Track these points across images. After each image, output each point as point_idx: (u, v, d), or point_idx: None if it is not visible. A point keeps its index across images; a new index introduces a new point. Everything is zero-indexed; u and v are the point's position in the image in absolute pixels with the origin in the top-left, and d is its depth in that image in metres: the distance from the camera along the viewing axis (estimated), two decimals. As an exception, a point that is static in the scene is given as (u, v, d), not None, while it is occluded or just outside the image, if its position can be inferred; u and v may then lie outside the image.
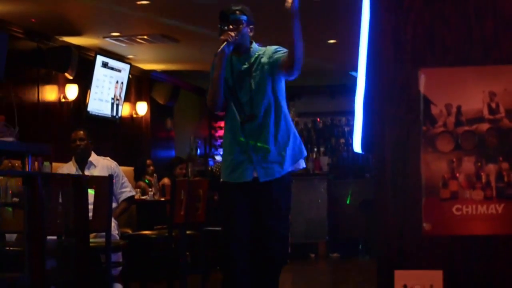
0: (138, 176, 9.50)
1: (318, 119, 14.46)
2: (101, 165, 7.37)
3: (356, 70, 2.84)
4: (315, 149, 13.83)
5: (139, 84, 12.20)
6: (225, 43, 4.65)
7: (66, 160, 7.56)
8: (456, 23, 2.61)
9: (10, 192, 5.31)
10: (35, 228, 4.59)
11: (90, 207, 5.74)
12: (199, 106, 14.07)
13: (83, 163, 7.32)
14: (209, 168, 12.08)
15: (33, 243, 4.59)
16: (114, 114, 11.02)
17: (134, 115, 12.01)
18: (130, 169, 9.50)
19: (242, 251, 4.72)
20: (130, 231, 8.28)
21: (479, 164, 2.55)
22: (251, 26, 4.86)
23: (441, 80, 2.59)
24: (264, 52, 4.86)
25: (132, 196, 7.61)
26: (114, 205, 6.94)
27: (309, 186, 12.21)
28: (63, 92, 9.89)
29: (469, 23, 2.60)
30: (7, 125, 5.95)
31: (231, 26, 4.72)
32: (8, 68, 8.16)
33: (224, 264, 4.80)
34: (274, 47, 4.89)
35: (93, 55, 10.43)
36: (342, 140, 13.94)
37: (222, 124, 5.16)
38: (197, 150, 13.68)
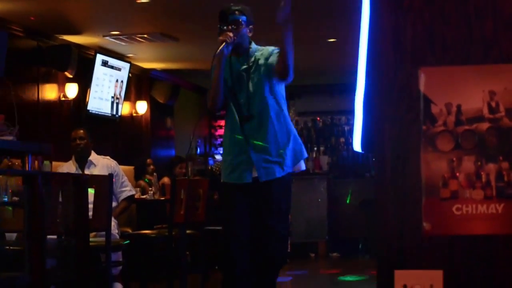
0: (138, 175, 9.50)
1: (318, 118, 14.47)
2: (101, 164, 7.37)
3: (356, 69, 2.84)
4: (315, 148, 13.84)
5: (139, 83, 12.20)
6: (223, 44, 4.64)
7: (66, 159, 7.56)
8: (456, 22, 2.60)
9: (10, 191, 5.31)
10: (35, 227, 4.59)
11: (90, 206, 5.74)
12: (199, 105, 14.07)
13: (83, 162, 7.32)
14: (209, 167, 12.08)
15: (33, 242, 4.58)
16: (114, 113, 11.02)
17: (134, 114, 12.01)
18: (130, 168, 9.49)
19: (242, 251, 4.72)
20: (130, 231, 8.28)
21: (479, 163, 2.55)
22: (251, 27, 4.85)
23: (441, 79, 2.59)
24: (262, 52, 4.84)
25: (132, 195, 7.61)
26: (114, 204, 6.94)
27: (309, 185, 12.22)
28: (63, 90, 9.89)
29: (469, 22, 2.60)
30: (7, 124, 5.95)
31: (230, 27, 4.72)
32: (8, 67, 8.16)
33: (224, 264, 4.80)
34: (271, 48, 4.86)
35: (93, 53, 10.43)
36: (342, 139, 13.95)
37: (222, 123, 5.17)
38: (197, 149, 13.68)
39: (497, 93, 2.56)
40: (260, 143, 4.75)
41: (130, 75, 11.26)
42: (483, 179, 2.54)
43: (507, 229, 2.51)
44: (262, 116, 4.75)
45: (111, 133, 11.07)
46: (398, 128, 2.60)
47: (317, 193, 12.29)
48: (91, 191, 5.87)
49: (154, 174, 9.02)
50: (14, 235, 6.05)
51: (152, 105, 12.42)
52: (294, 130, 4.90)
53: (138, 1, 8.36)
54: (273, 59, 4.75)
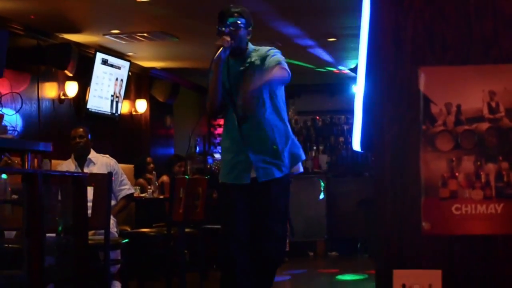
0: (138, 174, 9.50)
1: (318, 117, 14.48)
2: (100, 162, 7.37)
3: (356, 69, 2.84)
4: (314, 148, 13.84)
5: (139, 82, 12.20)
6: (221, 49, 4.63)
7: (65, 158, 7.56)
8: (456, 21, 2.60)
9: (10, 189, 5.31)
10: (34, 225, 4.58)
11: (89, 204, 5.74)
12: (198, 104, 14.08)
13: (82, 160, 7.33)
14: (208, 166, 12.08)
15: (32, 240, 4.58)
16: (114, 111, 11.02)
17: (134, 113, 12.01)
18: (129, 166, 9.50)
19: (242, 251, 4.72)
20: (129, 229, 8.28)
21: (478, 163, 2.55)
22: (249, 29, 4.83)
23: (441, 79, 2.59)
24: (257, 53, 4.82)
25: (131, 194, 7.61)
26: (113, 202, 6.94)
27: (308, 184, 12.22)
28: (63, 89, 9.89)
29: (469, 22, 2.60)
30: (7, 122, 5.95)
31: (229, 29, 4.70)
32: (8, 65, 8.18)
33: (224, 264, 4.80)
34: (266, 48, 4.84)
35: (93, 52, 10.43)
36: (341, 139, 13.96)
37: (221, 121, 5.17)
38: (196, 148, 13.68)
39: (497, 93, 2.56)
40: (258, 144, 4.75)
41: (130, 73, 11.26)
42: (483, 179, 2.54)
43: (506, 229, 2.51)
44: (259, 117, 4.74)
45: (110, 131, 11.07)
46: (398, 128, 2.60)
47: (316, 192, 12.29)
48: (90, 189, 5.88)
49: (154, 172, 9.02)
50: (13, 233, 6.05)
51: (152, 103, 12.43)
52: (291, 132, 4.90)
53: (138, 0, 8.36)
54: (268, 64, 4.72)
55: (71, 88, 9.94)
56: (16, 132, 6.31)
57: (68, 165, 7.31)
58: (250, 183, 4.77)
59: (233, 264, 4.70)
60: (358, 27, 2.80)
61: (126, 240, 6.95)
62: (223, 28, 4.71)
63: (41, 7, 8.48)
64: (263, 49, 4.84)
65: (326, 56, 11.61)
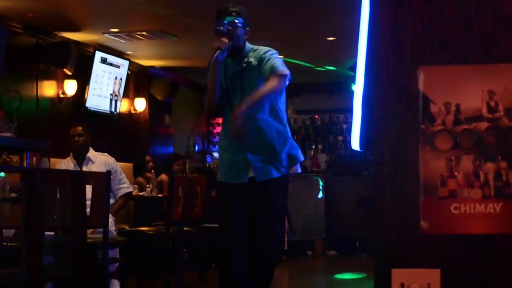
0: (137, 173, 9.50)
1: (317, 116, 14.48)
2: (99, 161, 7.36)
3: (355, 68, 2.84)
4: (313, 147, 13.84)
5: (138, 80, 12.20)
6: (218, 51, 4.63)
7: (64, 156, 7.55)
8: (456, 21, 2.60)
9: (8, 187, 5.31)
10: (33, 223, 4.59)
11: (88, 203, 5.74)
12: (197, 103, 14.07)
13: (81, 159, 7.32)
14: (207, 165, 12.08)
15: (30, 238, 4.59)
16: (113, 110, 11.02)
17: (133, 111, 12.01)
18: (128, 165, 9.49)
19: (240, 250, 4.72)
20: (127, 227, 8.28)
21: (477, 162, 2.55)
22: (247, 28, 4.82)
23: (440, 79, 2.59)
24: (255, 54, 4.80)
25: (130, 193, 7.61)
26: (111, 201, 6.93)
27: (307, 183, 12.22)
28: (62, 87, 9.89)
29: (468, 21, 2.60)
30: (5, 121, 5.95)
31: (226, 28, 4.69)
32: (7, 64, 8.18)
33: (222, 263, 4.80)
34: (263, 50, 4.80)
35: (92, 51, 10.42)
36: (340, 138, 13.96)
37: (220, 120, 5.17)
38: (195, 147, 13.68)
39: (496, 93, 2.56)
40: (256, 143, 4.74)
41: (129, 72, 11.26)
42: (482, 179, 2.54)
43: (505, 228, 2.52)
44: (257, 117, 4.73)
45: (109, 130, 11.07)
46: (397, 127, 2.60)
47: (315, 191, 12.29)
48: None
49: (152, 171, 9.02)
50: (12, 231, 6.05)
51: (151, 102, 12.42)
52: (289, 132, 4.89)
53: (137, -2, 8.37)
54: (263, 73, 4.70)
55: (70, 87, 9.93)
56: (15, 131, 6.31)
57: (66, 164, 7.31)
58: (248, 183, 4.77)
59: (231, 263, 4.70)
60: (357, 26, 2.80)
61: (125, 238, 6.95)
62: (221, 27, 4.70)
63: (40, 6, 8.47)
64: (261, 49, 4.82)
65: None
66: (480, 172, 2.55)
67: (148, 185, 8.58)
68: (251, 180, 4.77)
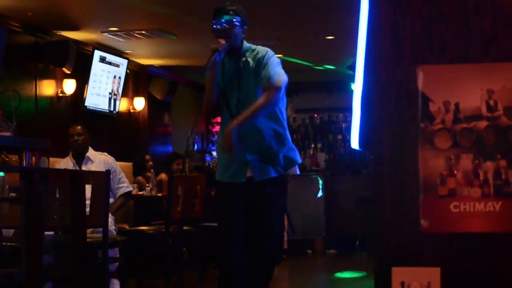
0: (137, 172, 9.49)
1: (316, 115, 14.48)
2: (98, 160, 7.36)
3: (354, 67, 2.84)
4: (312, 145, 13.84)
5: (137, 79, 12.20)
6: (215, 53, 4.62)
7: (63, 155, 7.55)
8: (455, 20, 2.60)
9: (7, 187, 5.31)
10: (32, 223, 4.59)
11: (87, 202, 5.74)
12: (196, 102, 14.07)
13: (80, 158, 7.32)
14: (206, 164, 12.08)
15: (30, 238, 4.59)
16: (112, 109, 11.02)
17: (132, 110, 12.01)
18: (128, 164, 9.49)
19: (239, 249, 4.72)
20: (127, 227, 8.28)
21: (477, 161, 2.55)
22: (245, 27, 4.81)
23: (440, 77, 2.59)
24: (253, 55, 4.79)
25: (129, 192, 7.61)
26: (111, 200, 6.93)
27: (307, 182, 12.22)
28: (61, 86, 9.89)
29: (468, 20, 2.60)
30: (4, 120, 5.94)
31: (224, 26, 4.69)
32: (6, 63, 8.18)
33: (221, 263, 4.80)
34: (261, 52, 4.78)
35: (91, 49, 10.42)
36: (340, 137, 13.96)
37: (219, 119, 5.17)
38: (194, 146, 13.68)
39: (496, 92, 2.56)
40: (254, 143, 4.74)
41: (128, 71, 11.25)
42: (481, 177, 2.54)
43: (505, 227, 2.52)
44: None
45: (108, 129, 11.07)
46: (396, 126, 2.60)
47: (315, 190, 12.29)
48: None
49: (152, 170, 9.02)
50: (11, 231, 6.05)
51: (150, 101, 12.42)
52: (288, 134, 4.88)
53: (136, -3, 8.37)
54: (261, 79, 4.69)
55: (69, 86, 9.93)
56: (14, 130, 6.30)
57: (66, 163, 7.30)
58: (247, 182, 4.76)
59: (230, 263, 4.69)
60: (356, 25, 2.80)
61: (125, 238, 6.95)
62: (218, 26, 4.70)
63: (39, 4, 8.47)
64: (259, 51, 4.79)
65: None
66: (480, 171, 2.55)
67: (147, 184, 8.58)
68: (249, 180, 4.76)
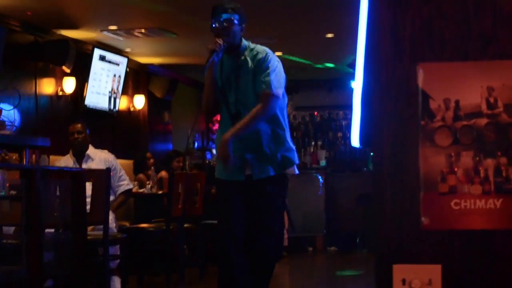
0: (138, 170, 9.50)
1: (316, 113, 14.49)
2: (98, 158, 7.37)
3: (354, 65, 2.84)
4: (313, 143, 13.84)
5: (137, 78, 12.20)
6: (213, 54, 4.62)
7: (63, 153, 7.56)
8: (455, 18, 2.61)
9: (8, 185, 5.32)
10: (33, 221, 4.59)
11: (88, 200, 5.74)
12: (196, 100, 14.07)
13: (80, 156, 7.32)
14: (207, 161, 12.08)
15: (30, 236, 4.59)
16: (112, 107, 11.02)
17: (132, 109, 12.01)
18: (128, 162, 9.50)
19: (238, 247, 4.72)
20: (127, 224, 8.29)
21: (477, 158, 2.56)
22: (243, 25, 4.80)
23: (440, 75, 2.59)
24: (251, 55, 4.78)
25: (130, 189, 7.62)
26: (111, 198, 6.94)
27: (307, 180, 12.22)
28: (61, 85, 9.89)
29: (467, 18, 2.60)
30: (4, 118, 5.94)
31: (222, 24, 4.68)
32: (5, 61, 8.18)
33: (221, 262, 4.80)
34: (260, 53, 4.76)
35: (90, 48, 10.42)
36: (340, 134, 13.96)
37: (219, 117, 5.16)
38: (194, 144, 13.69)
39: (495, 89, 2.56)
40: (252, 142, 4.73)
41: (127, 69, 11.25)
42: (482, 174, 2.55)
43: (505, 224, 2.52)
44: None
45: (108, 127, 11.07)
46: (397, 123, 2.60)
47: (315, 188, 12.29)
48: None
49: (152, 168, 9.02)
50: (12, 228, 6.05)
51: (150, 99, 12.42)
52: (288, 134, 4.87)
53: (136, -4, 8.36)
54: (258, 85, 4.69)
55: (69, 84, 9.93)
56: (14, 128, 6.31)
57: (66, 161, 7.31)
58: (245, 181, 4.76)
59: (230, 262, 4.69)
60: (356, 24, 2.80)
61: (125, 235, 6.96)
62: (217, 24, 4.70)
63: (38, 4, 8.47)
64: (258, 51, 4.77)
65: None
66: (480, 168, 2.55)
67: (148, 182, 8.59)
68: (248, 178, 4.76)
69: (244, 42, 4.81)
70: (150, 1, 8.65)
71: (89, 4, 8.84)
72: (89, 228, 6.04)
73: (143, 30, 9.95)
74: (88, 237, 5.64)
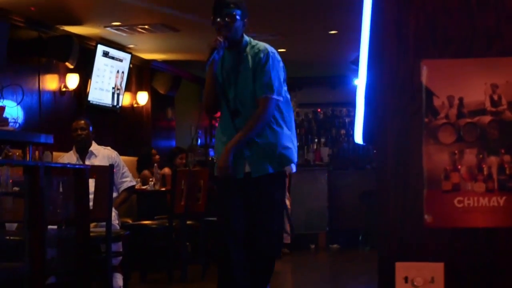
0: (142, 166, 9.49)
1: (319, 110, 14.49)
2: (102, 154, 7.37)
3: (357, 62, 2.83)
4: (316, 140, 13.84)
5: (140, 74, 12.20)
6: (214, 51, 4.61)
7: (66, 150, 7.56)
8: (459, 14, 2.60)
9: (11, 181, 5.31)
10: (36, 217, 4.59)
11: (91, 196, 5.74)
12: (199, 96, 14.07)
13: (84, 152, 7.32)
14: (210, 158, 12.08)
15: (33, 232, 4.59)
16: (115, 103, 11.02)
17: (135, 105, 12.01)
18: (131, 159, 9.50)
19: (237, 245, 4.71)
20: (130, 221, 8.29)
21: (481, 156, 2.55)
22: (245, 20, 4.78)
23: (443, 72, 2.58)
24: (252, 50, 4.77)
25: (133, 186, 7.61)
26: (114, 195, 6.94)
27: (310, 177, 12.21)
28: (64, 81, 9.89)
29: (471, 15, 2.59)
30: (8, 114, 5.94)
31: (224, 20, 4.67)
32: (9, 57, 8.18)
33: (221, 260, 4.79)
34: (261, 51, 4.74)
35: (94, 44, 10.42)
36: (343, 131, 13.97)
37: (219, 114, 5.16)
38: (197, 140, 13.69)
39: (499, 86, 2.55)
40: (251, 141, 4.72)
41: (131, 66, 11.26)
42: (485, 172, 2.54)
43: (509, 222, 2.52)
44: (252, 112, 4.71)
45: (112, 123, 11.07)
46: (400, 121, 2.59)
47: (318, 185, 12.29)
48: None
49: (155, 164, 9.02)
50: (15, 225, 6.05)
51: (153, 96, 12.42)
52: (288, 132, 4.84)
53: (139, -8, 8.36)
54: (257, 87, 4.69)
55: (72, 80, 9.94)
56: (17, 124, 6.30)
57: (69, 157, 7.31)
58: (244, 178, 4.76)
59: (229, 260, 4.68)
60: (359, 20, 2.79)
61: (128, 232, 6.95)
62: (219, 19, 4.68)
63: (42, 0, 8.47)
64: (260, 48, 4.75)
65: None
66: (484, 166, 2.54)
67: (151, 179, 8.59)
68: (247, 175, 4.76)
69: (246, 38, 4.80)
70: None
71: (92, 0, 8.83)
72: (92, 225, 6.03)
73: (146, 26, 9.94)
74: (91, 234, 5.63)
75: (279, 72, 4.72)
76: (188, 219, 7.90)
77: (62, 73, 9.86)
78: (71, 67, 9.76)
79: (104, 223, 6.19)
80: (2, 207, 5.46)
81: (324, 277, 9.16)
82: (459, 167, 2.55)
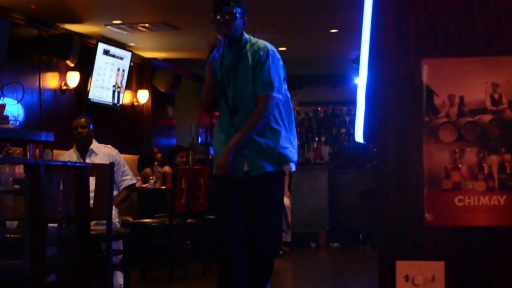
0: (144, 164, 9.49)
1: (319, 108, 14.49)
2: (102, 152, 7.37)
3: (358, 60, 2.83)
4: (316, 139, 13.85)
5: (141, 72, 12.20)
6: (214, 49, 4.61)
7: (67, 148, 7.57)
8: (460, 13, 2.60)
9: (11, 179, 5.31)
10: (36, 215, 4.59)
11: (91, 194, 5.74)
12: (200, 94, 14.06)
13: (84, 150, 7.33)
14: (210, 157, 12.08)
15: (33, 230, 4.59)
16: (115, 101, 11.02)
17: (135, 103, 12.01)
18: (131, 157, 9.50)
19: (238, 245, 4.71)
20: (130, 219, 8.30)
21: (481, 155, 2.55)
22: (245, 18, 4.78)
23: (444, 71, 2.58)
24: (252, 48, 4.77)
25: (133, 184, 7.62)
26: (115, 193, 6.95)
27: (310, 175, 12.22)
28: (65, 79, 9.89)
29: (472, 14, 2.59)
30: (8, 112, 5.94)
31: (224, 17, 4.66)
32: (9, 55, 8.17)
33: (220, 259, 4.79)
34: (260, 49, 4.74)
35: (94, 42, 10.42)
36: (343, 130, 13.97)
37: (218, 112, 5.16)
38: (198, 139, 13.69)
39: (500, 85, 2.56)
40: (250, 140, 4.72)
41: (131, 64, 11.25)
42: (486, 171, 2.54)
43: (509, 221, 2.52)
44: (251, 110, 4.71)
45: (112, 122, 11.07)
46: (401, 119, 2.59)
47: (318, 183, 12.29)
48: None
49: (155, 163, 9.03)
50: (15, 223, 6.06)
51: (153, 94, 12.42)
52: (287, 131, 4.83)
53: (140, -10, 8.35)
54: (257, 86, 4.69)
55: (73, 79, 9.94)
56: (18, 122, 6.30)
57: (70, 155, 7.32)
58: (243, 177, 4.75)
59: (228, 259, 4.68)
60: (360, 19, 2.79)
61: (128, 230, 6.96)
62: (219, 17, 4.68)
63: (43, -3, 8.48)
64: (259, 46, 4.75)
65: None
66: (484, 165, 2.54)
67: (151, 177, 8.59)
68: (245, 174, 4.75)
69: (245, 36, 4.80)
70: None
71: (93, -2, 8.85)
72: (92, 223, 6.04)
73: (147, 25, 9.94)
74: (91, 232, 5.63)
75: (279, 70, 4.73)
76: (189, 217, 7.90)
77: (63, 71, 9.86)
78: (72, 65, 9.76)
79: (104, 221, 6.20)
80: (2, 205, 5.46)
81: (324, 276, 9.17)
82: (460, 166, 2.55)
